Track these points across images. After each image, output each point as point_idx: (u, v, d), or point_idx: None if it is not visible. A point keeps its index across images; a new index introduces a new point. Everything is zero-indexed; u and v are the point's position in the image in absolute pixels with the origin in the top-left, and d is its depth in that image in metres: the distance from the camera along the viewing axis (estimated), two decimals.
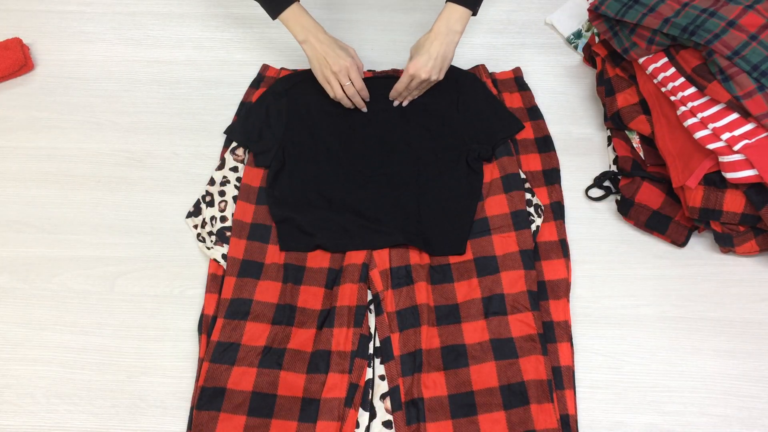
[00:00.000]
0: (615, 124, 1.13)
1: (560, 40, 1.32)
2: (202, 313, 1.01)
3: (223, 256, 1.04)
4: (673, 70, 1.05)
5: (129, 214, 1.12)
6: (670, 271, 1.06)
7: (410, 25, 1.35)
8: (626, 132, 1.14)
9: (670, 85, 1.05)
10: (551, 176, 1.12)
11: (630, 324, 1.02)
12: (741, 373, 0.97)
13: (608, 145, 1.17)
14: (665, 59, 1.06)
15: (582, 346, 1.00)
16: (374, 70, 1.23)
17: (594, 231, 1.10)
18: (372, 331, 0.99)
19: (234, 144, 1.14)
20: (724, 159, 0.96)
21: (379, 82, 1.18)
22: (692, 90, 1.02)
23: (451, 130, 1.13)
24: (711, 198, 1.00)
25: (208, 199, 1.10)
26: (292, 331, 0.98)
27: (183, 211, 1.12)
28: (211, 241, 1.06)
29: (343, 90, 1.10)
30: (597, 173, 1.15)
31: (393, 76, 1.21)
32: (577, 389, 0.96)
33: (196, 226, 1.09)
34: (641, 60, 1.09)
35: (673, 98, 1.04)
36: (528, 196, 1.08)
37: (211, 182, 1.12)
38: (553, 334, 0.99)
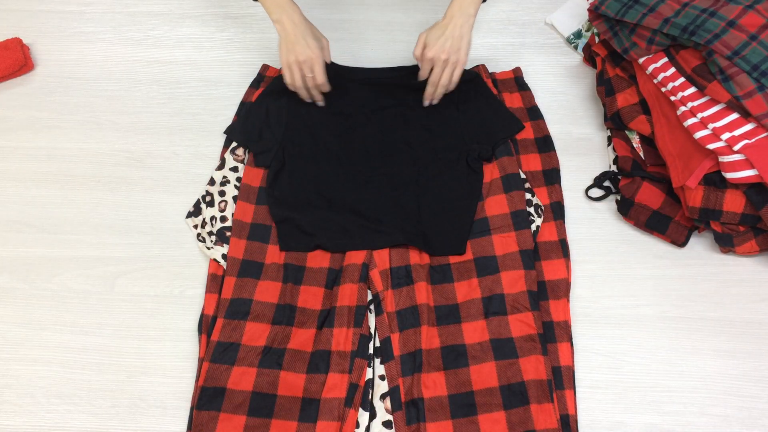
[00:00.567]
0: (615, 124, 1.13)
1: (560, 40, 1.32)
2: (202, 313, 1.01)
3: (223, 256, 1.04)
4: (673, 70, 1.05)
5: (129, 214, 1.12)
6: (670, 271, 1.06)
7: (410, 25, 1.35)
8: (626, 132, 1.14)
9: (670, 85, 1.05)
10: (551, 176, 1.12)
11: (630, 324, 1.02)
12: (741, 373, 0.97)
13: (608, 145, 1.17)
14: (665, 59, 1.06)
15: (582, 346, 1.00)
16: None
17: (594, 231, 1.10)
18: (372, 331, 0.99)
19: (234, 144, 1.14)
20: (724, 159, 0.96)
21: (381, 79, 1.18)
22: (692, 90, 1.02)
23: (451, 130, 1.13)
24: (711, 198, 1.00)
25: (208, 199, 1.10)
26: (292, 331, 0.98)
27: (183, 211, 1.12)
28: (211, 241, 1.06)
29: (304, 81, 1.09)
30: (597, 173, 1.15)
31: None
32: (577, 389, 0.96)
33: (196, 226, 1.09)
34: (641, 60, 1.09)
35: (673, 98, 1.04)
36: (528, 196, 1.08)
37: (211, 182, 1.12)
38: (553, 334, 0.99)
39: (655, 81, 1.08)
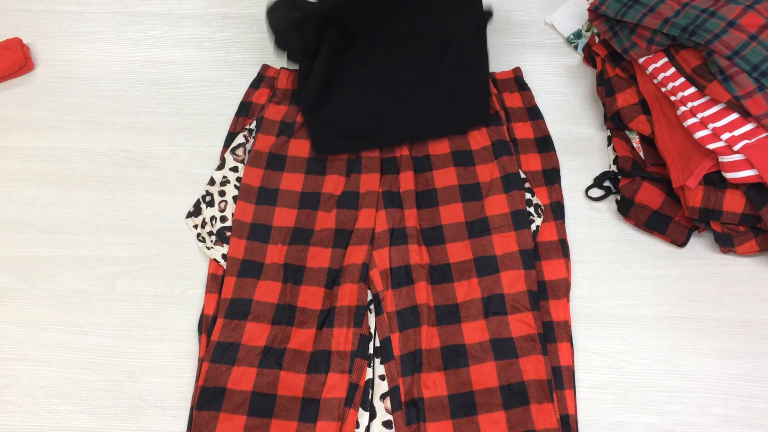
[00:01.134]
0: (615, 124, 1.13)
1: (560, 40, 1.32)
2: (202, 313, 1.01)
3: (223, 256, 1.04)
4: (673, 70, 1.05)
5: (129, 214, 1.12)
6: (670, 271, 1.06)
7: None
8: (626, 132, 1.14)
9: (670, 85, 1.05)
10: (551, 176, 1.13)
11: (630, 324, 1.02)
12: (741, 373, 0.98)
13: (608, 145, 1.17)
14: (665, 59, 1.06)
15: (582, 346, 1.00)
16: None
17: (594, 231, 1.10)
18: (372, 331, 0.99)
19: (234, 144, 1.14)
20: (724, 159, 0.96)
21: None
22: (692, 90, 1.02)
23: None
24: (711, 198, 1.00)
25: (208, 199, 1.10)
26: (292, 331, 0.98)
27: (183, 211, 1.12)
28: (211, 241, 1.06)
29: None
30: (597, 173, 1.15)
31: None
32: (577, 389, 0.96)
33: (196, 226, 1.09)
34: (641, 60, 1.09)
35: (673, 98, 1.04)
36: (528, 195, 1.08)
37: (211, 182, 1.12)
38: (553, 334, 0.99)
39: (655, 81, 1.08)
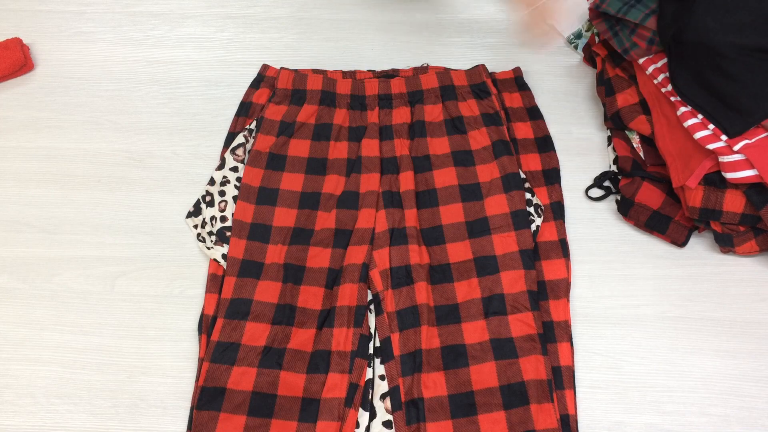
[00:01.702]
0: (615, 124, 1.13)
1: (560, 40, 1.32)
2: (202, 313, 1.01)
3: (223, 256, 1.04)
4: None
5: (129, 214, 1.12)
6: (670, 271, 1.06)
7: (410, 25, 1.35)
8: (626, 132, 1.14)
9: (670, 86, 1.04)
10: (551, 176, 1.13)
11: (630, 324, 1.02)
12: (741, 373, 0.97)
13: (608, 145, 1.17)
14: (665, 59, 1.06)
15: (582, 346, 1.00)
16: (374, 70, 1.24)
17: (594, 231, 1.10)
18: (372, 331, 0.99)
19: (234, 144, 1.14)
20: (724, 159, 0.96)
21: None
22: None
23: None
24: (711, 198, 1.00)
25: (208, 199, 1.10)
26: (292, 331, 0.98)
27: (183, 211, 1.12)
28: (211, 241, 1.06)
29: None
30: (597, 173, 1.15)
31: (392, 75, 1.21)
32: (577, 389, 0.96)
33: (196, 226, 1.09)
34: (641, 60, 1.09)
35: (673, 98, 1.04)
36: (528, 195, 1.08)
37: (211, 182, 1.12)
38: (553, 334, 0.99)
39: (655, 81, 1.08)
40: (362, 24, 1.35)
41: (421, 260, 1.02)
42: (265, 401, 0.92)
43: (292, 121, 1.15)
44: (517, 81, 1.23)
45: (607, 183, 1.14)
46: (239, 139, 1.15)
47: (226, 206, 1.08)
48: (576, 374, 0.97)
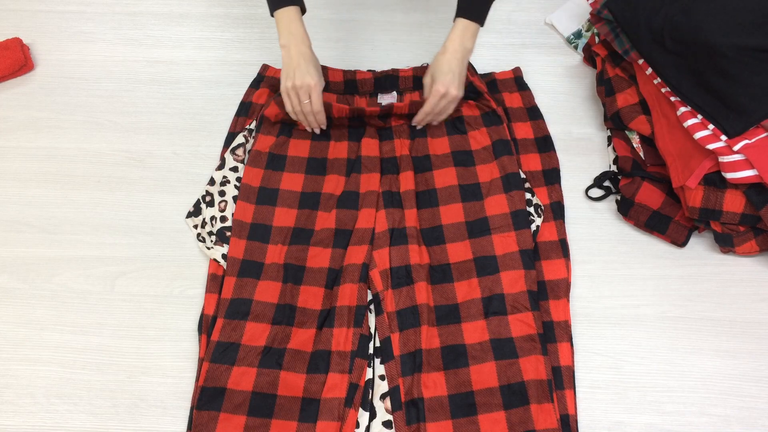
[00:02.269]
0: (615, 124, 1.13)
1: (560, 40, 1.32)
2: (202, 313, 1.01)
3: (223, 256, 1.04)
4: None
5: (129, 214, 1.12)
6: (670, 271, 1.06)
7: (410, 25, 1.35)
8: (626, 132, 1.14)
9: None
10: (551, 176, 1.13)
11: (630, 324, 1.02)
12: (741, 373, 0.97)
13: (608, 145, 1.17)
14: None
15: (582, 346, 1.00)
16: (374, 70, 1.23)
17: (594, 231, 1.10)
18: (372, 331, 0.99)
19: (234, 144, 1.14)
20: (724, 159, 0.96)
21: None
22: None
23: None
24: (711, 198, 1.00)
25: (208, 199, 1.10)
26: (292, 331, 0.98)
27: (183, 211, 1.12)
28: (211, 241, 1.06)
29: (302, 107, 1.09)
30: (597, 173, 1.15)
31: (393, 75, 1.20)
32: (577, 389, 0.96)
33: (196, 226, 1.09)
34: (641, 60, 1.09)
35: (673, 98, 1.04)
36: (528, 195, 1.08)
37: (211, 182, 1.12)
38: (553, 334, 0.99)
39: (655, 81, 1.08)
40: (362, 24, 1.35)
41: (421, 260, 1.02)
42: (265, 401, 0.92)
43: (293, 122, 1.15)
44: (517, 81, 1.23)
45: (607, 183, 1.14)
46: (239, 139, 1.15)
47: (226, 206, 1.08)
48: (576, 374, 0.97)
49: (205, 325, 0.99)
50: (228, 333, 0.97)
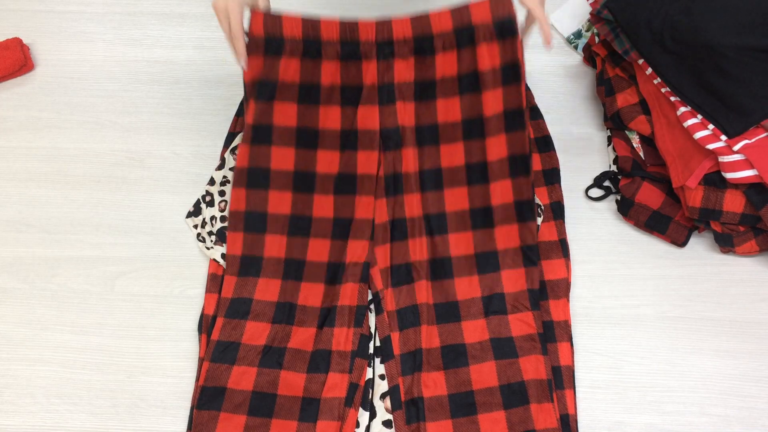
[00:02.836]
0: (615, 124, 1.13)
1: (560, 40, 1.32)
2: (202, 313, 1.01)
3: (223, 256, 1.03)
4: None
5: (129, 214, 1.12)
6: (670, 271, 1.06)
7: None
8: (626, 132, 1.14)
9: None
10: (551, 176, 1.12)
11: (630, 324, 1.02)
12: (741, 373, 0.97)
13: (608, 145, 1.17)
14: None
15: (582, 346, 1.00)
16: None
17: (594, 231, 1.10)
18: (372, 330, 0.99)
19: (234, 144, 1.14)
20: (724, 159, 0.96)
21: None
22: None
23: None
24: (711, 198, 1.00)
25: (208, 199, 1.10)
26: (292, 330, 0.98)
27: (183, 211, 1.12)
28: (211, 241, 1.06)
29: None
30: (597, 173, 1.15)
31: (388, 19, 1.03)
32: (577, 389, 0.96)
33: (196, 226, 1.09)
34: (641, 60, 1.09)
35: (673, 98, 1.04)
36: None
37: (211, 182, 1.12)
38: (553, 334, 0.99)
39: (655, 81, 1.08)
40: None
41: (421, 256, 1.01)
42: (265, 401, 0.92)
43: (273, 80, 0.99)
44: None
45: (607, 183, 1.14)
46: (239, 139, 1.15)
47: (226, 206, 1.08)
48: (576, 374, 0.97)
49: (205, 325, 0.99)
50: (228, 332, 0.97)
